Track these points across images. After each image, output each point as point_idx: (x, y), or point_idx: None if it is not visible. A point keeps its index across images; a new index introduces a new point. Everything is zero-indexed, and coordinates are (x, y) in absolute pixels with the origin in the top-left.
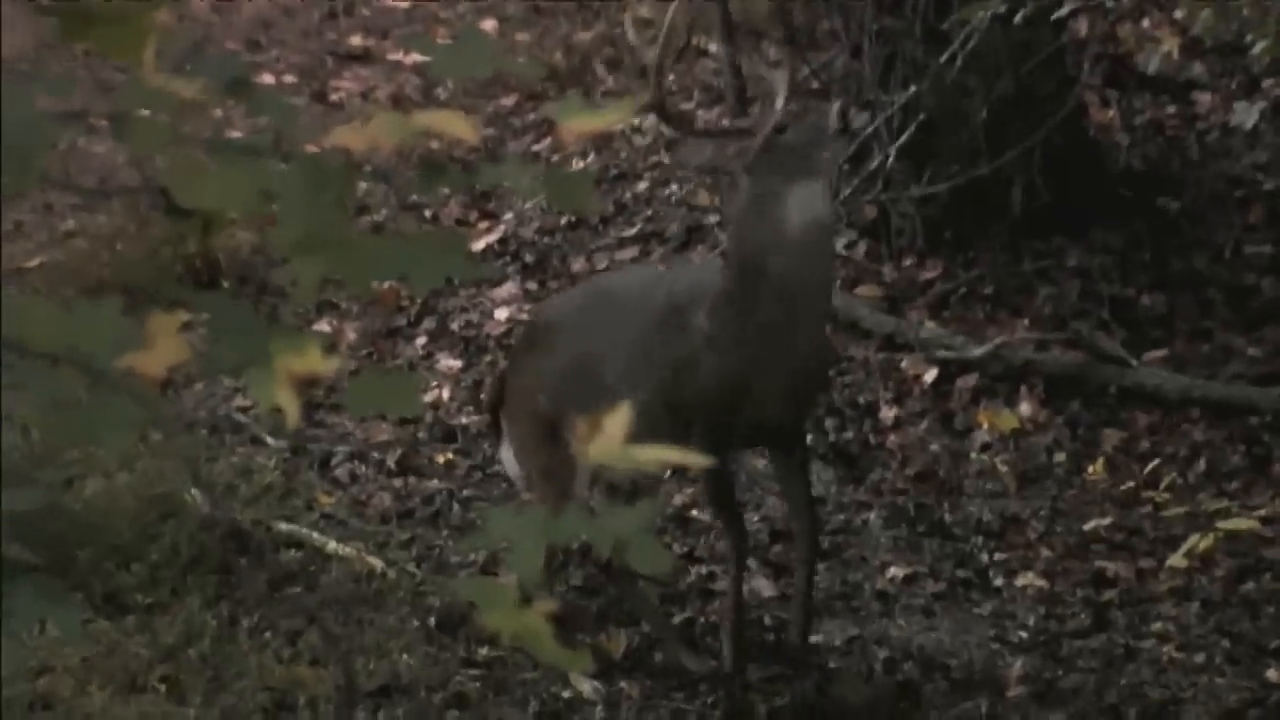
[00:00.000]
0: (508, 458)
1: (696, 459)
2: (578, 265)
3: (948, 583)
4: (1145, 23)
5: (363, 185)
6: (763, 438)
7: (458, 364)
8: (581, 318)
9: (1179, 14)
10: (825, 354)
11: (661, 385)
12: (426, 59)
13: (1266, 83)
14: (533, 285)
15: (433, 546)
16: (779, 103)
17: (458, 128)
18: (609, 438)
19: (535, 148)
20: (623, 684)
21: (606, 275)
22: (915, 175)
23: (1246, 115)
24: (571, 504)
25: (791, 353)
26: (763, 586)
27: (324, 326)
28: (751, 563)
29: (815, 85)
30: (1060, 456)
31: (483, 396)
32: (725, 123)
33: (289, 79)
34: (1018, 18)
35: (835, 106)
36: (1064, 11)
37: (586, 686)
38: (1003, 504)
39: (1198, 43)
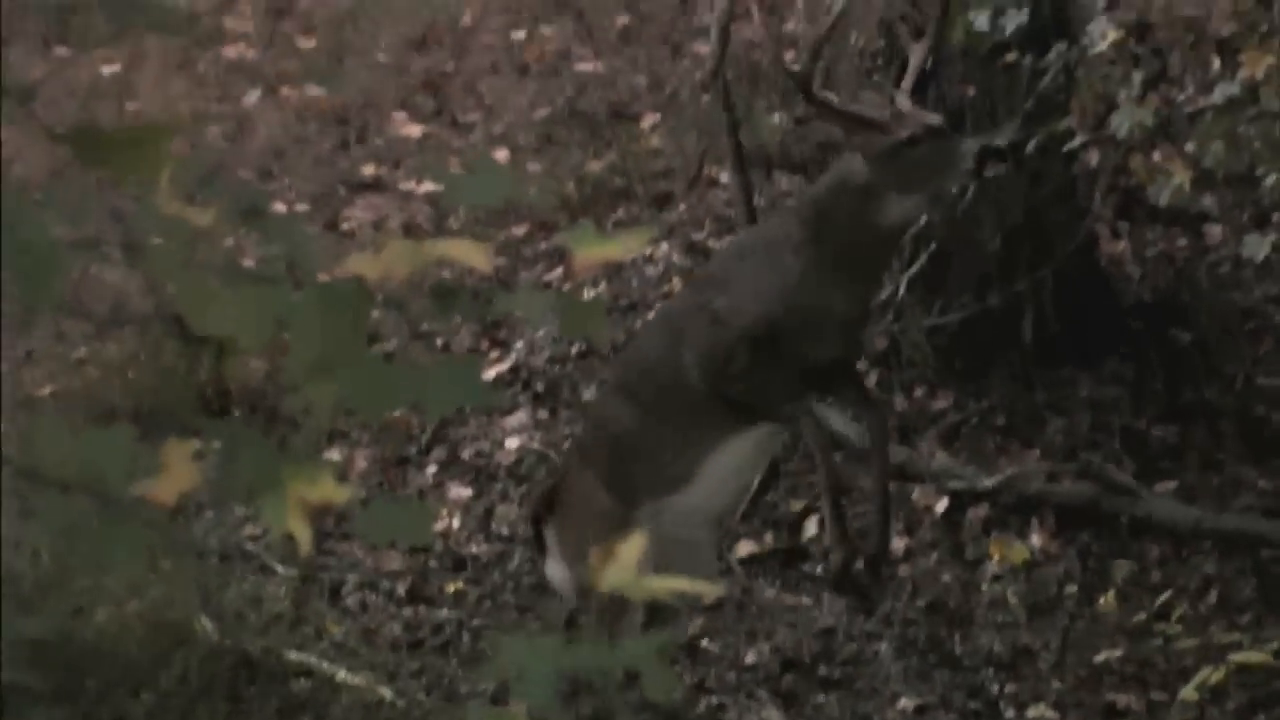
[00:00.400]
0: (558, 575)
1: (710, 588)
2: (588, 394)
3: (959, 714)
4: (1156, 155)
5: (374, 313)
6: (820, 379)
7: (468, 493)
8: (621, 384)
9: (1190, 146)
10: (872, 305)
11: (703, 357)
12: (439, 188)
13: (1276, 215)
14: (543, 414)
15: (443, 676)
16: (909, 82)
17: (470, 256)
18: (621, 567)
19: (547, 276)
20: None
21: None
22: (926, 305)
23: (1258, 247)
24: (630, 618)
25: (843, 301)
26: (774, 717)
27: (334, 454)
28: (763, 693)
29: None
30: (1071, 588)
31: (525, 509)
32: (862, 109)
33: (301, 207)
34: (1029, 148)
35: (977, 148)
36: (1075, 143)
37: None
38: (1014, 635)
39: (1209, 175)
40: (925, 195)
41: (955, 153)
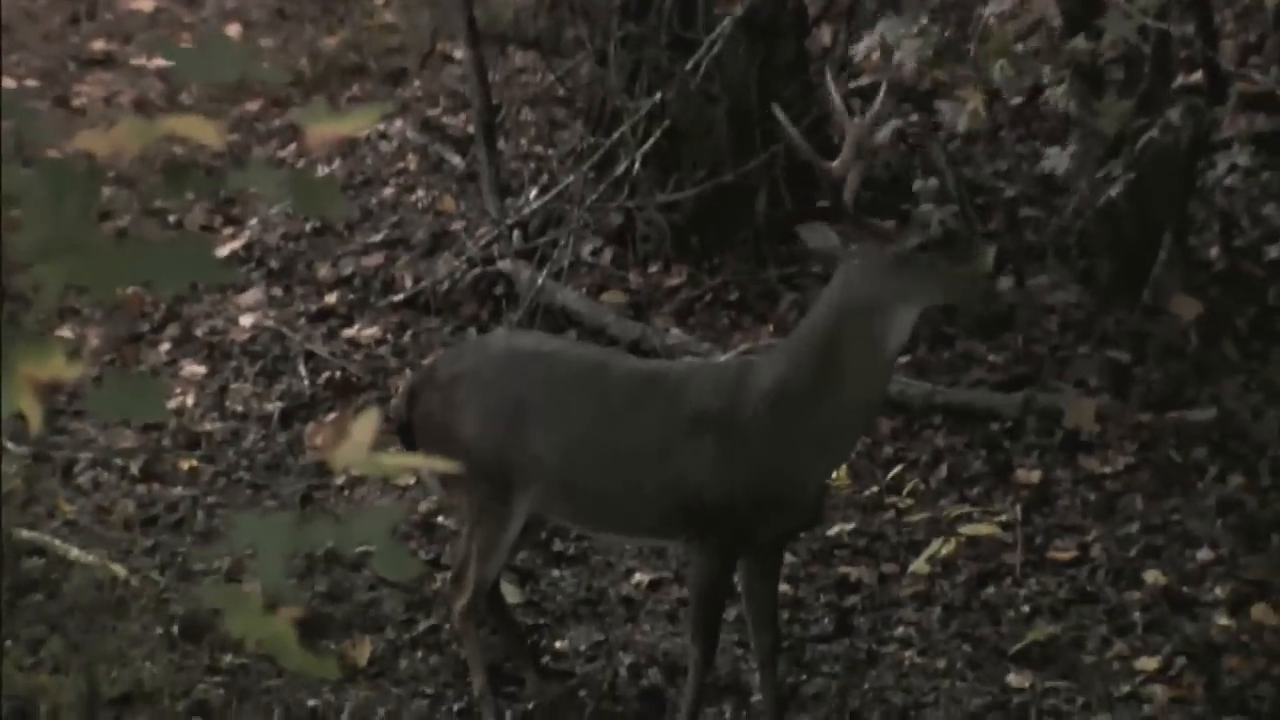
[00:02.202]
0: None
1: (443, 465)
2: (323, 271)
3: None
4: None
5: (106, 190)
6: (770, 540)
7: (202, 370)
8: (592, 375)
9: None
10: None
11: (680, 486)
12: (170, 63)
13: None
14: (278, 291)
15: (177, 553)
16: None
17: (202, 133)
18: (355, 445)
19: (281, 153)
20: (367, 691)
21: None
22: (661, 182)
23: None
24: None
25: (837, 455)
26: (510, 592)
27: (66, 332)
28: None
29: (561, 92)
30: None
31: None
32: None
33: (30, 83)
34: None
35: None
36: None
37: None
38: None
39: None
40: (921, 305)
41: (971, 251)
